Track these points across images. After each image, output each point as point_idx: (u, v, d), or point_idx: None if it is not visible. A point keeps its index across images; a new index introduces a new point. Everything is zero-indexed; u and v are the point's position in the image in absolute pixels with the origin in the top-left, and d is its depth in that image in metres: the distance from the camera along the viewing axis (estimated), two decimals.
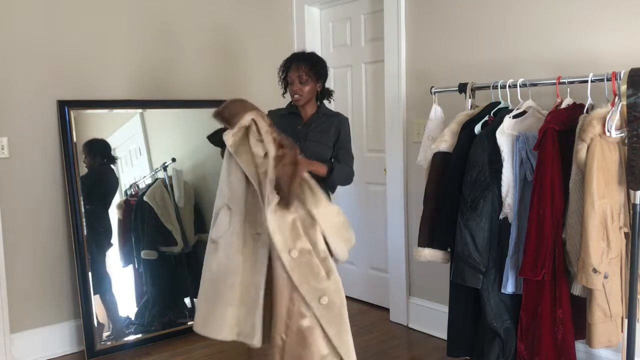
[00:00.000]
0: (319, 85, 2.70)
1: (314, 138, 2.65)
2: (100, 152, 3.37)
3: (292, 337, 2.10)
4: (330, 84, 4.18)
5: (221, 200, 2.21)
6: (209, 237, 2.23)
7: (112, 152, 3.40)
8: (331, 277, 2.14)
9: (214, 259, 2.20)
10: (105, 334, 3.28)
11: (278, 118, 2.67)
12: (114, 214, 3.40)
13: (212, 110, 2.21)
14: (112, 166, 3.40)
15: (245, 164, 2.12)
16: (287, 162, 2.09)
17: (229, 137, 2.13)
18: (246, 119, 2.13)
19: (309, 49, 2.83)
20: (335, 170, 2.58)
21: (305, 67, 2.61)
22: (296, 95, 2.63)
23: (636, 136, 2.12)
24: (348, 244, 2.26)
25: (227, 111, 2.15)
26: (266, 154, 2.10)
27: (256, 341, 2.13)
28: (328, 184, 2.58)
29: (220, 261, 2.18)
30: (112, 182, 3.41)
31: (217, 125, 2.23)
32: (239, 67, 3.97)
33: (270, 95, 4.11)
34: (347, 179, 2.67)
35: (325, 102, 2.82)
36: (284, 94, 2.78)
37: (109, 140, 3.40)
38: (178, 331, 3.51)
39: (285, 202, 2.06)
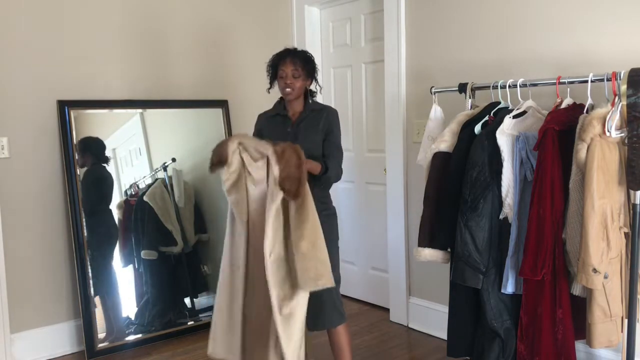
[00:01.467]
0: (307, 84, 2.64)
1: (303, 138, 2.55)
2: (93, 151, 3.35)
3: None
4: (330, 84, 4.19)
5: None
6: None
7: (105, 152, 3.37)
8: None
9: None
10: (105, 334, 3.28)
11: (266, 120, 2.67)
12: (112, 214, 3.39)
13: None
14: (104, 165, 3.37)
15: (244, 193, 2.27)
16: (291, 162, 2.19)
17: (225, 182, 2.26)
18: (232, 147, 2.22)
19: (309, 49, 2.82)
20: (330, 168, 2.53)
21: (300, 63, 2.57)
22: (288, 89, 2.55)
23: (636, 136, 2.12)
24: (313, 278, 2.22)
25: (215, 156, 2.25)
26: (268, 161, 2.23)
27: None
28: (322, 182, 2.54)
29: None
30: (108, 182, 3.38)
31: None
32: (239, 67, 3.97)
33: (270, 95, 4.11)
34: (338, 176, 2.59)
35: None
36: (269, 89, 2.70)
37: (109, 140, 3.40)
38: (178, 331, 3.51)
39: (293, 195, 2.19)
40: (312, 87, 2.69)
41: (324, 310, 2.54)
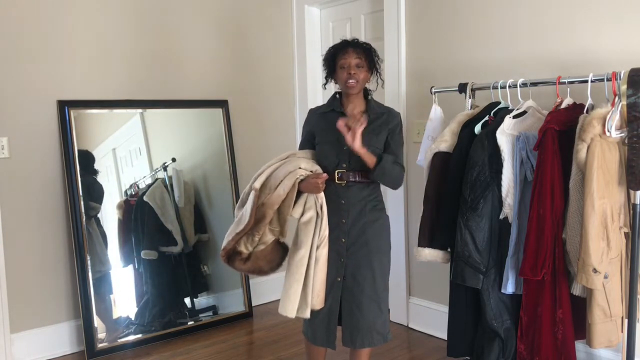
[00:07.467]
0: (369, 77, 2.43)
1: (365, 141, 2.31)
2: (82, 164, 3.28)
3: None
4: (331, 83, 4.18)
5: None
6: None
7: (94, 165, 3.34)
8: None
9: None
10: (104, 334, 3.28)
11: (318, 117, 2.48)
12: (106, 220, 3.38)
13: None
14: (94, 177, 3.34)
15: None
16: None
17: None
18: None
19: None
20: (384, 160, 2.32)
21: (363, 53, 2.37)
22: (352, 81, 2.33)
23: (636, 136, 2.12)
24: None
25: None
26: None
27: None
28: (375, 175, 2.34)
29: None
30: (99, 192, 3.36)
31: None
32: (239, 67, 3.97)
33: (269, 95, 4.12)
34: (396, 178, 2.38)
35: None
36: (325, 84, 2.49)
37: (109, 140, 3.40)
38: (178, 331, 3.51)
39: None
40: (372, 83, 2.49)
41: (364, 326, 2.40)
